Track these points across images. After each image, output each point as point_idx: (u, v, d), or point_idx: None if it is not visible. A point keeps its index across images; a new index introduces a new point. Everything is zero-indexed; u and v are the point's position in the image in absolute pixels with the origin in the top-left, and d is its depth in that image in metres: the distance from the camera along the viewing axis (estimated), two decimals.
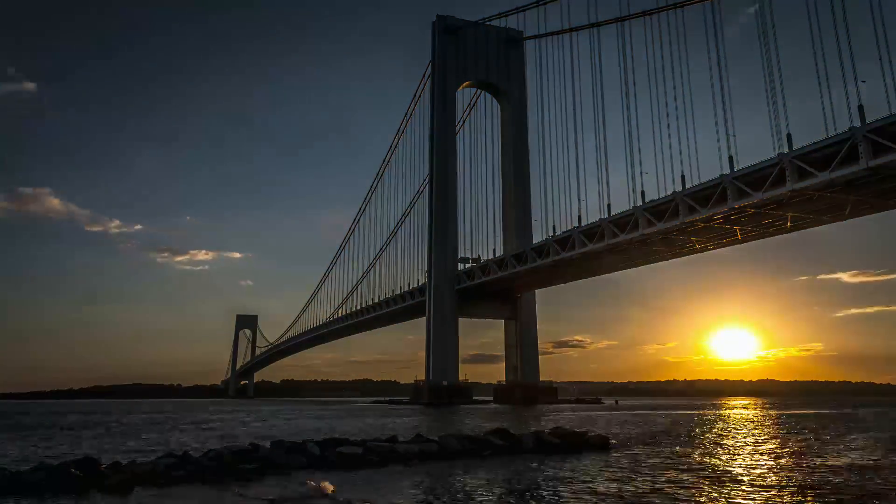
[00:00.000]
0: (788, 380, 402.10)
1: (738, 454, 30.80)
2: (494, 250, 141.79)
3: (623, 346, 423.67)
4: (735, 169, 78.41)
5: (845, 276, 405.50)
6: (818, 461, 27.37)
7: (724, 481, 21.62)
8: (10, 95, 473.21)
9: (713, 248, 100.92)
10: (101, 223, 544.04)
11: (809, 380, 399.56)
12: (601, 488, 20.08)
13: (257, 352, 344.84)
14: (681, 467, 25.44)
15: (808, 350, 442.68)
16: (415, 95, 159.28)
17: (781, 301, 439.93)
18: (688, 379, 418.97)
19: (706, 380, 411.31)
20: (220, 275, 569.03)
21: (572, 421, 61.79)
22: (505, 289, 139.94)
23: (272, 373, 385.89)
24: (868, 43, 64.86)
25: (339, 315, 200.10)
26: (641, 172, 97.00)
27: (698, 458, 28.61)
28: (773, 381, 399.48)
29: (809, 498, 18.41)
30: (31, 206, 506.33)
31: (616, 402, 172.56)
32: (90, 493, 19.59)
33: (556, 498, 18.58)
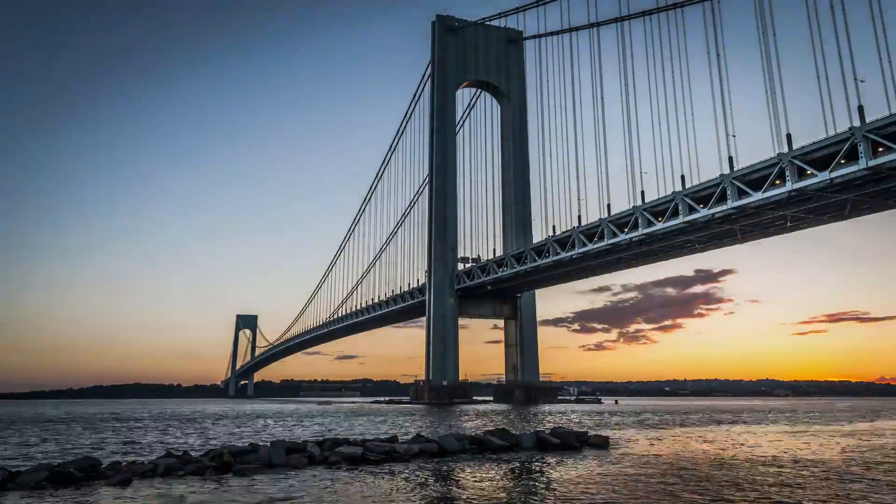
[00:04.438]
0: (788, 379, 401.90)
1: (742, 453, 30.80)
2: (494, 250, 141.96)
3: (623, 346, 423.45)
4: (735, 169, 78.47)
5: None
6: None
7: (724, 478, 21.68)
8: None
9: (713, 248, 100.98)
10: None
11: (810, 379, 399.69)
12: (600, 486, 20.12)
13: (257, 352, 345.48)
14: (681, 465, 25.49)
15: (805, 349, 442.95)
16: (415, 95, 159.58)
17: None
18: (688, 379, 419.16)
19: (706, 380, 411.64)
20: (220, 274, 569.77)
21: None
22: (505, 288, 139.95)
23: (272, 373, 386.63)
24: (868, 43, 64.98)
25: (339, 315, 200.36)
26: (641, 172, 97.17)
27: (699, 456, 28.64)
28: (772, 380, 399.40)
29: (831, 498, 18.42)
30: None
31: (616, 401, 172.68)
32: (90, 493, 19.59)
33: (556, 496, 18.60)
